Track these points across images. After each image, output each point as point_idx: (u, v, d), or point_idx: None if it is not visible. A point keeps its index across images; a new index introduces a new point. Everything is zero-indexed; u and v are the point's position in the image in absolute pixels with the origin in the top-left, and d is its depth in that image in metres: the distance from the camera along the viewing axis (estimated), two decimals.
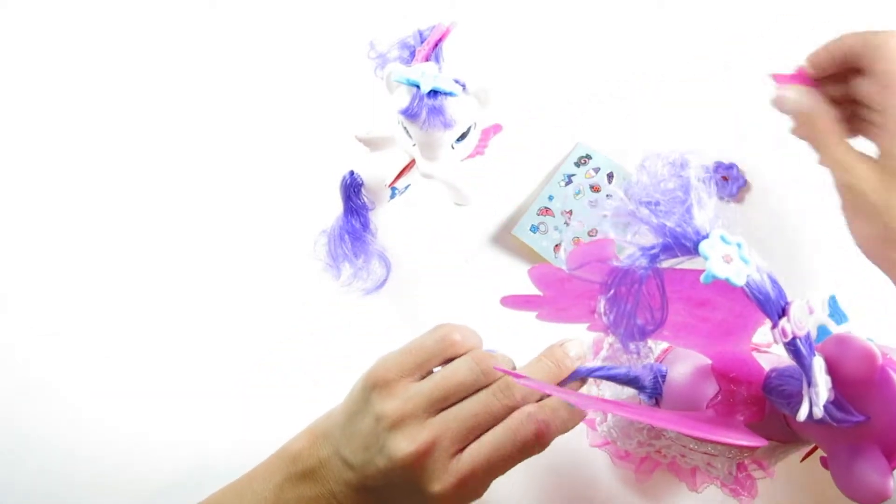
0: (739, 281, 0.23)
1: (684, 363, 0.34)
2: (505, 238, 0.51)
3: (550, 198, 0.50)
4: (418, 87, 0.39)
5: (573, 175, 0.50)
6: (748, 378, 0.30)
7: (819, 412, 0.24)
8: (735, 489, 0.37)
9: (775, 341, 0.25)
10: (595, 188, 0.50)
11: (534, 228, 0.50)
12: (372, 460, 0.33)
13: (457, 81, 0.40)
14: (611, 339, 0.41)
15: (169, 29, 0.57)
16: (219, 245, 0.52)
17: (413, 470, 0.33)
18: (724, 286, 0.23)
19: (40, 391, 0.50)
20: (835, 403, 0.25)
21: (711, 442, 0.32)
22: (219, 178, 0.53)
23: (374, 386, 0.35)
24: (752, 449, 0.33)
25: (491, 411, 0.34)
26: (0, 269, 0.52)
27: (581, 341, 0.36)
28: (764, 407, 0.30)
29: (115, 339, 0.50)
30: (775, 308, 0.24)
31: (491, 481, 0.34)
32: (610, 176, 0.50)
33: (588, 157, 0.51)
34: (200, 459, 0.48)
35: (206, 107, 0.55)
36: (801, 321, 0.24)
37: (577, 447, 0.42)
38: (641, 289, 0.24)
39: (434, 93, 0.39)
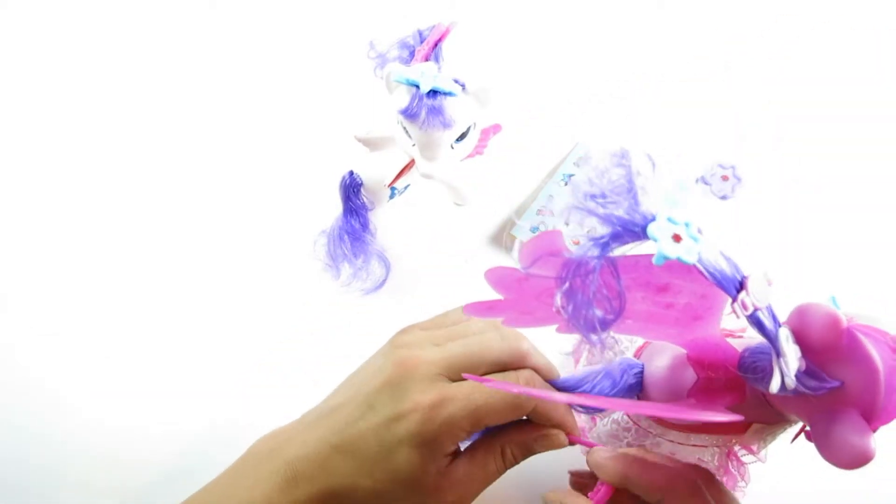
0: (691, 258, 0.23)
1: (661, 356, 0.34)
2: (505, 238, 0.51)
3: (550, 198, 0.50)
4: (418, 86, 0.39)
5: (573, 175, 0.50)
6: (724, 362, 0.30)
7: (791, 382, 0.24)
8: (727, 480, 0.37)
9: (737, 316, 0.25)
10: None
11: (534, 229, 0.50)
12: (361, 389, 0.33)
13: (456, 81, 0.40)
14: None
15: (169, 29, 0.57)
16: (218, 245, 0.52)
17: (400, 378, 0.32)
18: (679, 267, 0.23)
19: (40, 391, 0.50)
20: (807, 372, 0.25)
21: (691, 421, 0.33)
22: (218, 179, 0.53)
23: (396, 346, 0.36)
24: (738, 434, 0.33)
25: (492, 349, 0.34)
26: (0, 269, 0.52)
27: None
28: (744, 390, 0.30)
29: (115, 340, 0.50)
30: (732, 283, 0.24)
31: (466, 426, 0.32)
32: None
33: (588, 157, 0.51)
34: (200, 460, 0.48)
35: (205, 107, 0.55)
36: (760, 293, 0.24)
37: (569, 453, 0.42)
38: (596, 278, 0.24)
39: (433, 93, 0.39)
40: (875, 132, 0.52)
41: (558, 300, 0.25)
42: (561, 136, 0.52)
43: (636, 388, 0.35)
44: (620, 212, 0.24)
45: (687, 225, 0.24)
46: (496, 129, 0.49)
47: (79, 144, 0.55)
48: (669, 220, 0.23)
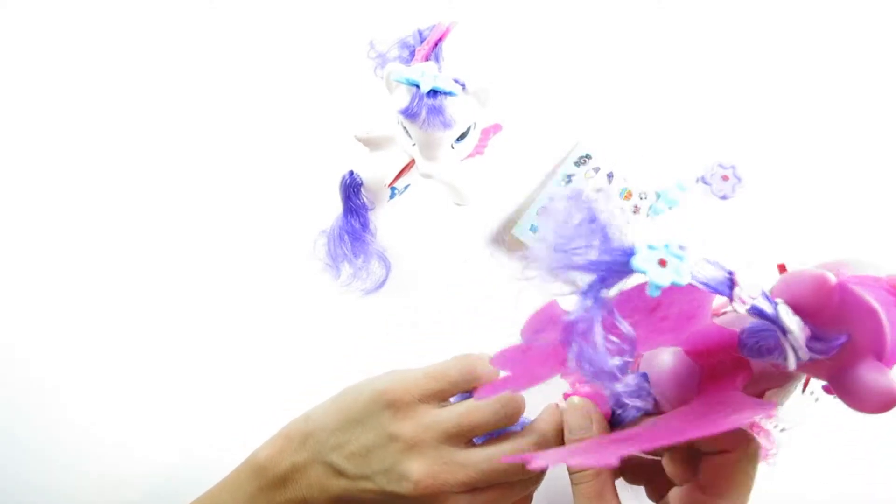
0: (684, 280, 0.23)
1: (658, 357, 0.34)
2: (505, 238, 0.51)
3: (551, 198, 0.50)
4: (418, 86, 0.39)
5: (573, 175, 0.50)
6: (722, 345, 0.30)
7: (805, 354, 0.24)
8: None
9: (737, 312, 0.25)
10: (595, 188, 0.50)
11: (534, 228, 0.50)
12: (372, 476, 0.33)
13: (456, 81, 0.40)
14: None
15: (168, 29, 0.57)
16: (218, 245, 0.52)
17: (422, 498, 0.32)
18: (669, 287, 0.23)
19: (40, 391, 0.49)
20: (813, 337, 0.25)
21: (728, 430, 0.32)
22: (218, 179, 0.53)
23: (391, 404, 0.34)
24: None
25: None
26: (0, 269, 0.52)
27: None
28: (750, 365, 0.30)
29: (115, 340, 0.50)
30: (724, 284, 0.24)
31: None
32: (610, 176, 0.50)
33: (588, 156, 0.51)
34: (199, 461, 0.48)
35: (205, 107, 0.55)
36: (750, 282, 0.24)
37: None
38: (600, 329, 0.24)
39: (434, 92, 0.39)
40: (874, 131, 0.52)
41: (571, 363, 0.24)
42: (561, 135, 0.52)
43: (649, 399, 0.34)
44: (596, 255, 0.23)
45: (667, 246, 0.23)
46: (496, 129, 0.48)
47: (77, 145, 0.55)
48: (649, 247, 0.23)
